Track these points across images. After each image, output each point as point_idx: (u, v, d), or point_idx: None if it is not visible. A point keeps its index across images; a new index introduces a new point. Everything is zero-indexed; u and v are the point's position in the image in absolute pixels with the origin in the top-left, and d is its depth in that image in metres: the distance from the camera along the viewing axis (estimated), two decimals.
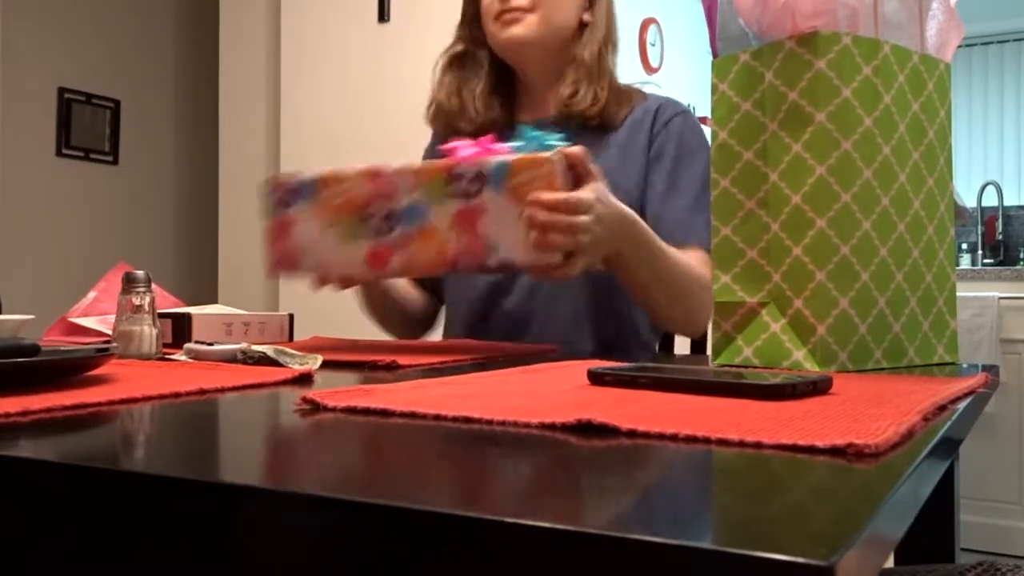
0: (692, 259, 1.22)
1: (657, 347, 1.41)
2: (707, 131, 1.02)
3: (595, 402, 0.57)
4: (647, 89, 1.40)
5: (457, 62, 1.39)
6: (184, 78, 3.53)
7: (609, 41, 1.36)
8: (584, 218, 0.96)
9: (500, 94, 1.39)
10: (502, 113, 1.38)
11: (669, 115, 1.33)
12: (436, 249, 0.97)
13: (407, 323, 1.41)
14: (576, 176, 1.00)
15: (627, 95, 1.35)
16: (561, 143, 1.00)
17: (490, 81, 1.38)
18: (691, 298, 1.21)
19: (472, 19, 1.38)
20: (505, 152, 0.98)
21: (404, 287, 1.40)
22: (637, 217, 1.11)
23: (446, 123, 1.38)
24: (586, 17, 1.35)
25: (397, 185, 0.98)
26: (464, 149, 1.00)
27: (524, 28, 1.30)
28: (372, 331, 1.42)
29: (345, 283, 1.10)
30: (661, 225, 1.25)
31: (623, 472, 0.40)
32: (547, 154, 0.95)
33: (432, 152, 1.45)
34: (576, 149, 0.99)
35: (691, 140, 1.33)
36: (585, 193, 0.98)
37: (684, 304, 1.22)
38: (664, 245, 1.16)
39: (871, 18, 0.84)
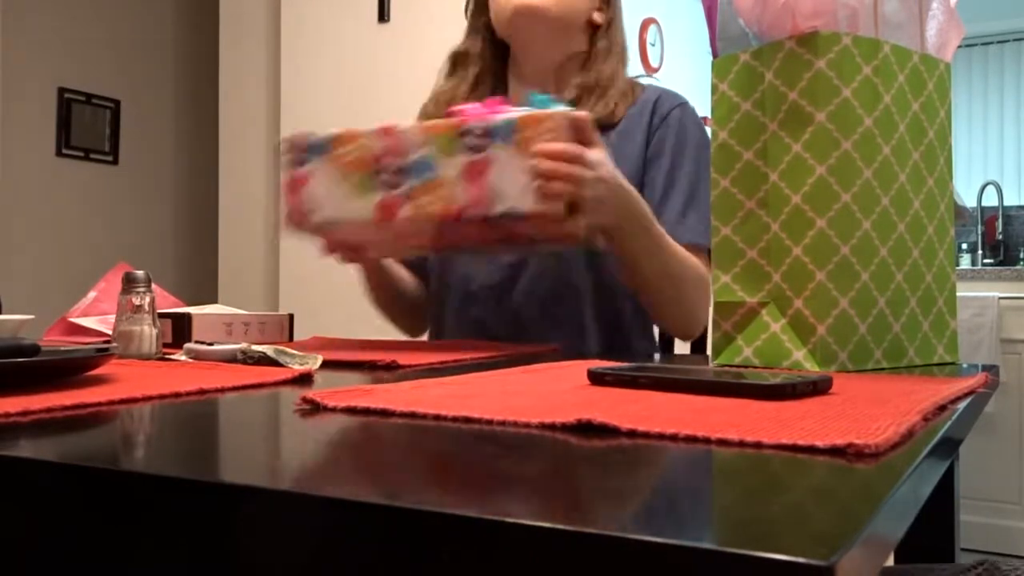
0: (689, 253, 1.22)
1: (653, 348, 1.41)
2: (707, 131, 1.02)
3: (595, 402, 0.57)
4: (645, 81, 1.39)
5: (455, 61, 1.38)
6: (184, 78, 3.53)
7: (625, 57, 1.36)
8: (587, 172, 0.98)
9: (492, 90, 1.37)
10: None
11: (667, 108, 1.32)
12: (443, 200, 1.00)
13: (402, 299, 1.41)
14: (580, 142, 1.01)
15: (628, 93, 1.34)
16: (566, 107, 1.03)
17: (483, 78, 1.36)
18: (689, 293, 1.21)
19: (482, 5, 1.36)
20: (512, 112, 1.02)
21: (397, 267, 1.40)
22: (639, 196, 1.11)
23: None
24: (596, 17, 1.33)
25: (408, 141, 1.02)
26: (472, 110, 1.04)
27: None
28: (372, 331, 1.42)
29: (350, 255, 1.12)
30: (660, 224, 1.25)
31: (623, 472, 0.40)
32: (553, 111, 0.99)
33: None
34: (582, 113, 1.01)
35: (690, 134, 1.31)
36: (590, 151, 1.00)
37: (682, 298, 1.22)
38: (664, 233, 1.16)
39: (871, 18, 0.84)
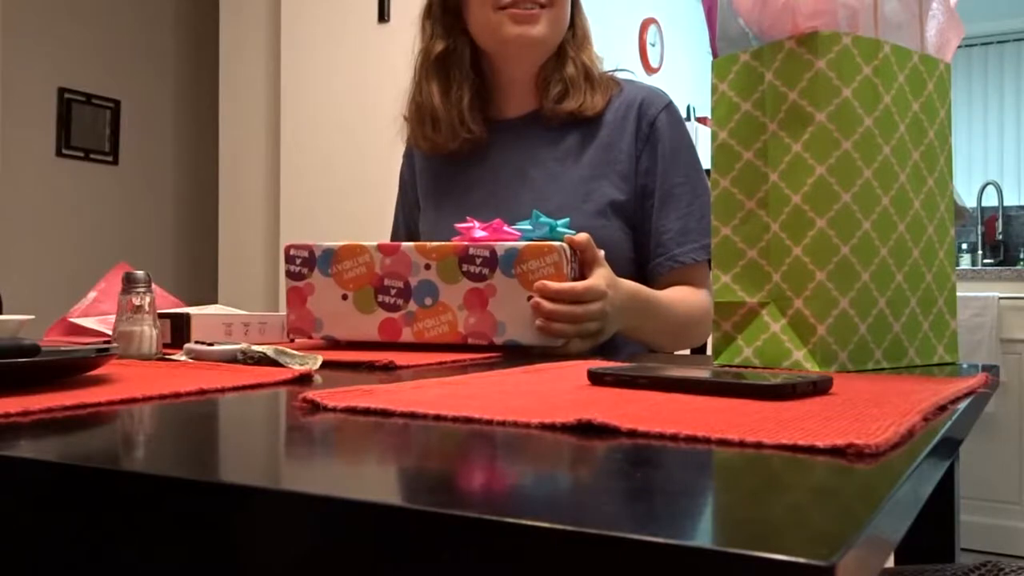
0: (688, 293, 1.25)
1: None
2: (706, 131, 1.02)
3: (595, 402, 0.57)
4: (622, 76, 1.37)
5: (442, 66, 1.31)
6: (184, 78, 3.53)
7: (588, 39, 1.34)
8: (591, 307, 1.00)
9: (480, 97, 1.34)
10: (482, 123, 1.34)
11: (653, 113, 1.30)
12: (447, 325, 1.03)
13: None
14: (582, 261, 1.04)
15: (603, 83, 1.32)
16: (568, 230, 1.06)
17: (473, 85, 1.32)
18: (695, 334, 1.27)
19: (450, 6, 1.30)
20: (516, 237, 1.05)
21: None
22: (641, 288, 1.14)
23: (445, 139, 1.32)
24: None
25: (412, 262, 1.05)
26: (476, 231, 1.07)
27: (541, 28, 1.25)
28: None
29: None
30: (658, 241, 1.27)
31: (623, 472, 0.40)
32: (555, 243, 1.01)
33: (427, 180, 1.42)
34: (581, 237, 1.03)
35: (678, 141, 1.31)
36: (595, 282, 1.02)
37: (688, 341, 1.29)
38: (665, 300, 1.19)
39: (871, 18, 0.84)
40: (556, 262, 1.00)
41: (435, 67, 1.32)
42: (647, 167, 1.29)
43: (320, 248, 1.08)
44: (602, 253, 1.07)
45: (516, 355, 1.00)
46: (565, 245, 1.01)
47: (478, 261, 1.01)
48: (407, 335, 1.05)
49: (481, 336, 1.02)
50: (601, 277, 1.03)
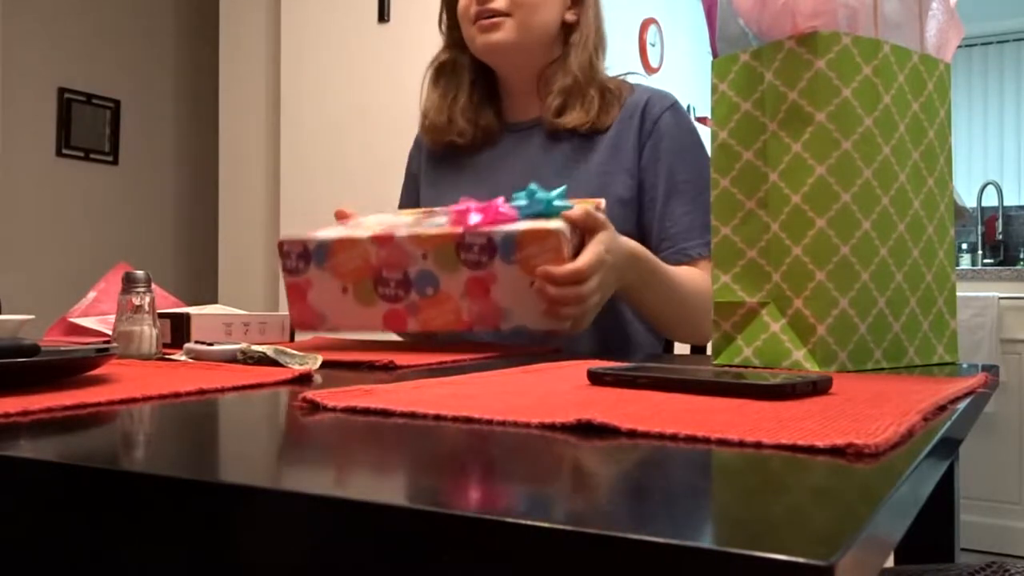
0: (696, 274, 1.24)
1: (660, 346, 1.41)
2: (706, 131, 1.02)
3: (595, 402, 0.57)
4: (632, 80, 1.38)
5: (441, 73, 1.38)
6: (184, 78, 3.53)
7: (600, 46, 1.34)
8: (592, 284, 0.99)
9: (487, 100, 1.38)
10: (493, 119, 1.38)
11: (658, 112, 1.30)
12: (452, 314, 1.01)
13: None
14: (583, 230, 1.03)
15: (616, 94, 1.32)
16: (565, 203, 1.03)
17: (475, 89, 1.37)
18: (696, 315, 1.23)
19: (452, 20, 1.37)
20: (512, 217, 1.02)
21: None
22: (643, 250, 1.13)
23: (436, 139, 1.39)
24: (569, 16, 1.32)
25: (408, 252, 1.02)
26: (473, 214, 1.03)
27: (503, 34, 1.28)
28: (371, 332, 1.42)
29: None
30: (664, 235, 1.26)
31: (623, 472, 0.40)
32: (552, 226, 0.98)
33: (427, 168, 1.45)
34: (578, 212, 1.01)
35: (684, 138, 1.30)
36: (593, 251, 1.00)
37: (690, 321, 1.24)
38: (668, 269, 1.18)
39: (871, 18, 0.84)
40: (555, 247, 0.97)
41: (434, 76, 1.40)
42: (647, 163, 1.29)
43: (314, 243, 1.06)
44: (603, 216, 1.05)
45: (516, 355, 1.00)
46: (563, 226, 0.99)
47: (475, 249, 0.99)
48: (412, 325, 1.03)
49: (487, 322, 1.00)
50: (600, 243, 1.01)
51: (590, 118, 1.29)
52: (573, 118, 1.29)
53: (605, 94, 1.31)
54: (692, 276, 1.22)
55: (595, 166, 1.30)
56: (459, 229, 1.00)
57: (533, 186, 1.05)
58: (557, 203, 1.02)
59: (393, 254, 1.02)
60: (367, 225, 1.09)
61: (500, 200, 1.04)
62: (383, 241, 1.03)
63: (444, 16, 1.39)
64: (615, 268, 1.04)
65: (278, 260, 1.11)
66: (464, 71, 1.36)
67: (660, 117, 1.30)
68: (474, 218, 1.02)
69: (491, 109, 1.38)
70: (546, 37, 1.31)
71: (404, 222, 1.07)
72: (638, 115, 1.31)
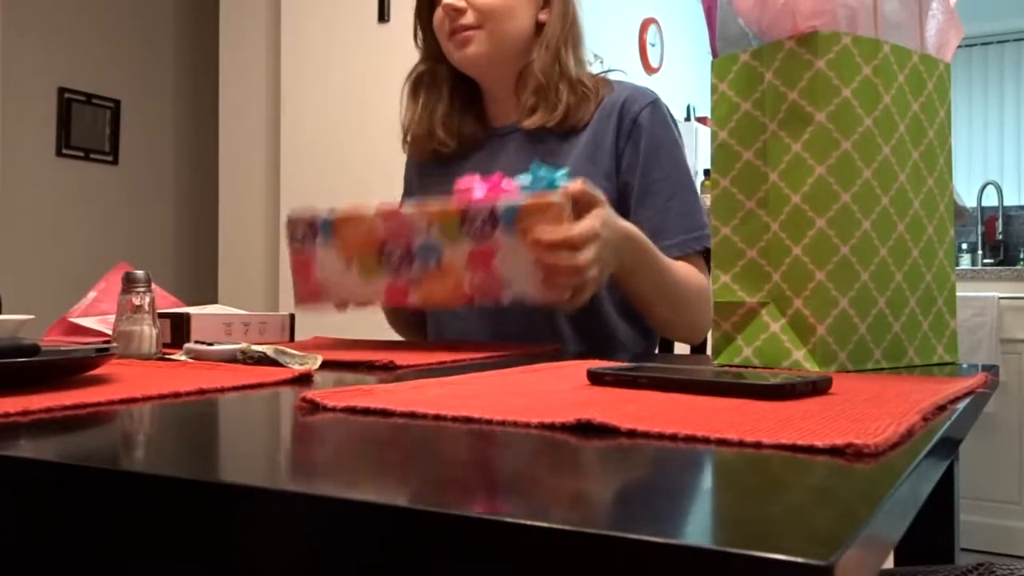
0: (689, 268, 1.23)
1: (654, 347, 1.40)
2: (706, 131, 1.02)
3: (595, 402, 0.57)
4: (613, 77, 1.36)
5: (419, 84, 1.38)
6: (184, 78, 3.53)
7: (568, 41, 1.31)
8: (588, 254, 0.99)
9: (469, 106, 1.38)
10: (476, 126, 1.37)
11: (636, 110, 1.28)
12: (453, 285, 1.02)
13: (415, 317, 1.43)
14: (583, 205, 1.02)
15: (594, 90, 1.31)
16: (566, 180, 1.04)
17: (455, 97, 1.37)
18: (692, 308, 1.22)
19: (428, 32, 1.36)
20: (514, 192, 1.03)
21: None
22: (638, 232, 1.12)
23: (419, 151, 1.40)
24: (542, 17, 1.31)
25: (412, 225, 1.03)
26: (476, 190, 1.05)
27: (476, 47, 1.28)
28: (372, 331, 1.42)
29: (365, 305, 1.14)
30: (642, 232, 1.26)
31: (623, 472, 0.41)
32: (553, 198, 0.99)
33: (415, 178, 1.46)
34: (577, 185, 1.01)
35: (658, 136, 1.28)
36: (588, 223, 1.00)
37: (686, 315, 1.23)
38: (664, 258, 1.17)
39: (871, 18, 0.84)
40: (556, 218, 0.98)
41: (411, 89, 1.40)
42: (628, 164, 1.28)
43: (321, 218, 1.08)
44: (600, 194, 1.05)
45: (516, 355, 1.00)
46: (563, 197, 0.99)
47: (479, 221, 1.00)
48: (413, 297, 1.04)
49: (488, 294, 1.01)
50: (595, 217, 1.01)
51: (558, 114, 1.27)
52: (538, 117, 1.28)
53: (577, 89, 1.29)
54: (682, 267, 1.22)
55: (573, 167, 1.28)
56: (464, 203, 1.02)
57: (536, 163, 1.05)
58: (560, 183, 1.04)
59: (398, 227, 1.04)
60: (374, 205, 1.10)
61: (504, 179, 1.05)
62: (389, 215, 1.04)
63: (418, 29, 1.39)
64: (611, 244, 1.04)
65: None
66: (443, 81, 1.36)
67: (639, 115, 1.28)
68: (478, 192, 1.04)
69: (472, 115, 1.38)
70: (520, 43, 1.30)
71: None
72: (616, 113, 1.29)
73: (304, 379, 0.75)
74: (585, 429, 0.48)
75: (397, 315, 1.41)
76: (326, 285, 1.08)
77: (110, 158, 3.28)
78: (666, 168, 1.27)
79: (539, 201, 0.99)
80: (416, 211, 1.03)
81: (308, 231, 1.08)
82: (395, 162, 1.57)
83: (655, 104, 1.31)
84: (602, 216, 1.02)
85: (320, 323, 1.80)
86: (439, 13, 1.30)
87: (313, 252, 1.08)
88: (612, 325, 1.30)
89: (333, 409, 0.56)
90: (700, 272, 1.24)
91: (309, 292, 1.09)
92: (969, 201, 4.05)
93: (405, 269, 1.03)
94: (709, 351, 1.27)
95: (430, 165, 1.42)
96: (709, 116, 0.88)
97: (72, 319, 1.19)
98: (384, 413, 0.54)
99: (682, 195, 1.26)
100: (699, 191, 1.37)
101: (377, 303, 1.07)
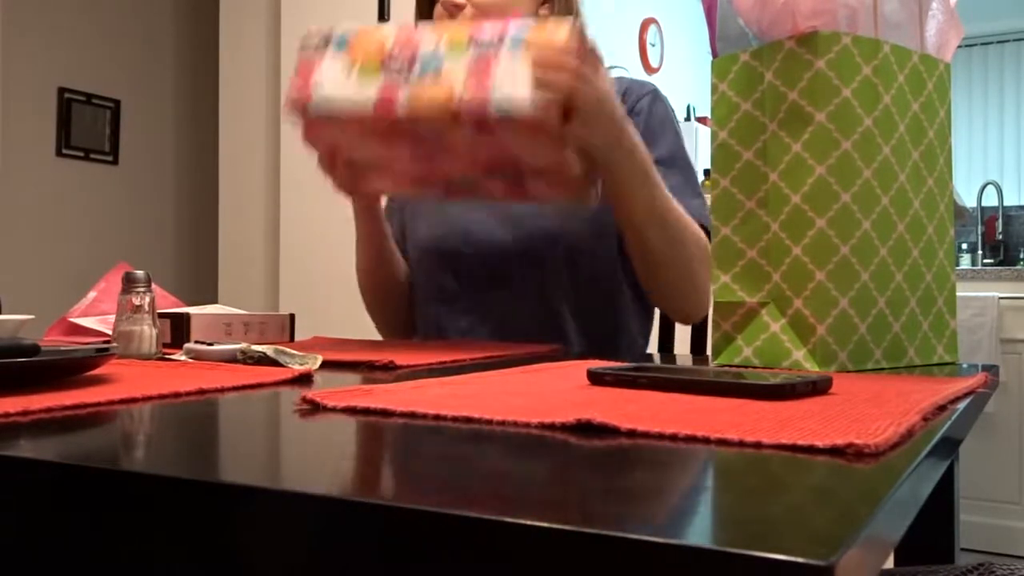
0: (685, 215, 1.19)
1: (647, 348, 1.40)
2: (706, 131, 1.02)
3: (595, 402, 0.57)
4: (614, 74, 1.37)
5: None
6: (184, 78, 3.53)
7: None
8: (584, 67, 0.99)
9: None
10: None
11: (634, 99, 1.29)
12: (445, 96, 1.01)
13: (391, 283, 1.39)
14: (588, 62, 1.02)
15: None
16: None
17: None
18: (689, 252, 1.16)
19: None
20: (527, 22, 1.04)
21: (394, 246, 1.38)
22: (629, 120, 1.09)
23: None
24: (542, 12, 1.31)
25: (425, 39, 1.05)
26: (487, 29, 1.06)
27: None
28: (372, 331, 1.42)
29: (350, 183, 1.16)
30: None
31: (623, 472, 0.40)
32: (562, 33, 0.99)
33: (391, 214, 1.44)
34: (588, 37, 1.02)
35: (661, 118, 1.28)
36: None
37: (683, 258, 1.16)
38: (658, 177, 1.12)
39: (871, 18, 0.84)
40: (566, 49, 0.98)
41: None
42: None
43: (338, 33, 1.10)
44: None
45: (516, 355, 1.00)
46: (574, 28, 1.00)
47: (487, 39, 1.01)
48: (402, 100, 1.03)
49: (474, 100, 0.99)
50: (602, 72, 1.02)
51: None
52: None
53: None
54: (684, 213, 1.17)
55: None
56: (475, 25, 1.03)
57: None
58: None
59: (408, 38, 1.05)
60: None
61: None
62: (404, 27, 1.07)
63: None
64: (609, 99, 1.03)
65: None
66: None
67: (636, 103, 1.29)
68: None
69: None
70: None
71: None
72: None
73: (304, 379, 0.75)
74: (585, 429, 0.48)
75: (377, 296, 1.37)
76: (320, 82, 1.07)
77: (110, 158, 3.28)
78: (667, 147, 1.26)
79: (549, 37, 0.99)
80: (432, 28, 1.05)
81: (323, 40, 1.10)
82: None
83: (655, 93, 1.32)
84: (602, 71, 1.03)
85: (320, 323, 1.80)
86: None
87: (320, 59, 1.09)
88: (620, 326, 1.30)
89: (333, 409, 0.56)
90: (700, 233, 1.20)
91: (301, 92, 1.08)
92: (969, 201, 4.05)
93: (404, 74, 1.04)
94: (709, 351, 1.27)
95: None
96: (709, 116, 0.88)
97: (72, 319, 1.19)
98: (384, 413, 0.54)
99: (683, 174, 1.26)
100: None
101: (366, 112, 1.05)
